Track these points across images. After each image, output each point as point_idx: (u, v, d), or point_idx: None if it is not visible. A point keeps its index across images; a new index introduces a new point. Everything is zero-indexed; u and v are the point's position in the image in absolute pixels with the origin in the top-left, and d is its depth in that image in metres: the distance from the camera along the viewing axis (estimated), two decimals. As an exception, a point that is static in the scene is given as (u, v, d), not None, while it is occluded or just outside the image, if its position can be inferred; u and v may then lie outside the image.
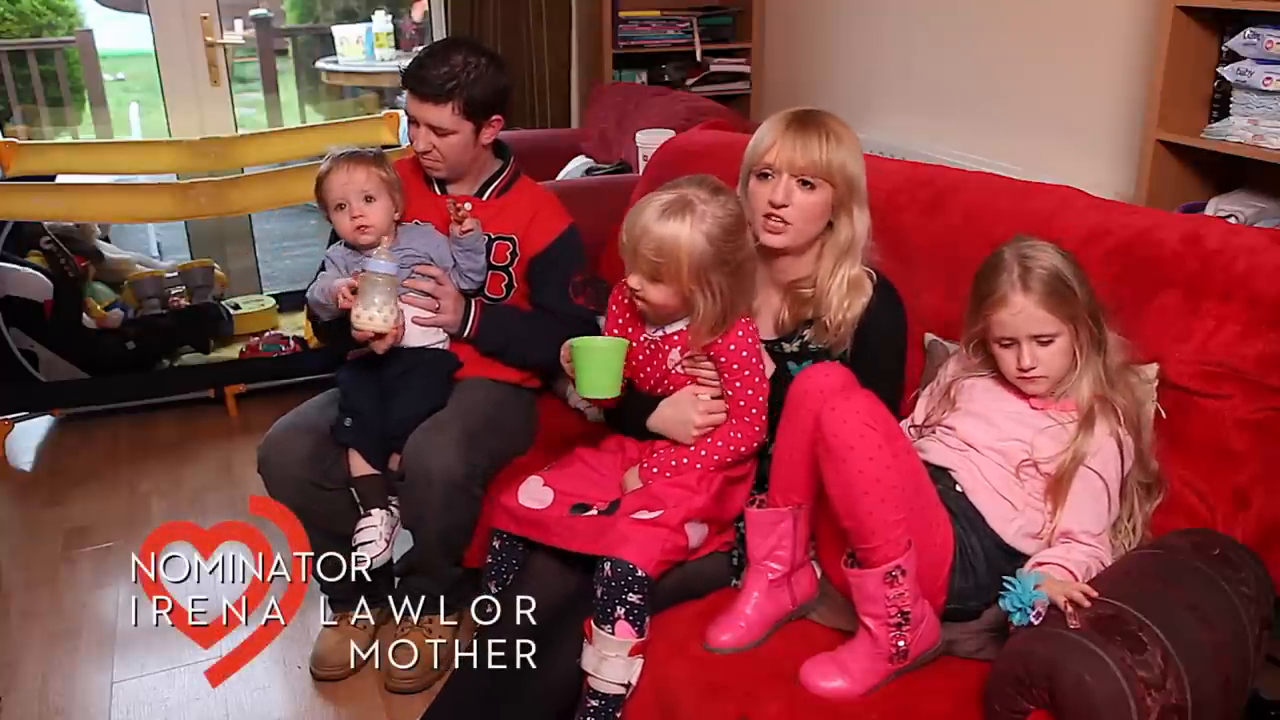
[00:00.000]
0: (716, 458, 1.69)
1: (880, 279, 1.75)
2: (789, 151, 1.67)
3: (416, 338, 2.03)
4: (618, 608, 1.56)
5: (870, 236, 1.74)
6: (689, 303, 1.65)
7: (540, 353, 2.04)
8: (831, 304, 1.70)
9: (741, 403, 1.69)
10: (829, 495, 1.46)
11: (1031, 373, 1.54)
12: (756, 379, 1.68)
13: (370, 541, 1.94)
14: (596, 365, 1.71)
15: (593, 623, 1.58)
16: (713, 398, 1.72)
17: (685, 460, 1.69)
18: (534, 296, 2.13)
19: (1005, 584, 1.37)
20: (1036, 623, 1.31)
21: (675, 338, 1.73)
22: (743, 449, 1.69)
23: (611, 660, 1.56)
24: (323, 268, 2.11)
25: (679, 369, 1.74)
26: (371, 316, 1.89)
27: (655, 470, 1.71)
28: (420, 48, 2.11)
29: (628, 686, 1.57)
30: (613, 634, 1.56)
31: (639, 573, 1.56)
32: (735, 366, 1.68)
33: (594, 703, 1.58)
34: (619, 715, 1.58)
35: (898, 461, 1.42)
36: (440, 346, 2.07)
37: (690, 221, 1.61)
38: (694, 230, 1.61)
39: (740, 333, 1.68)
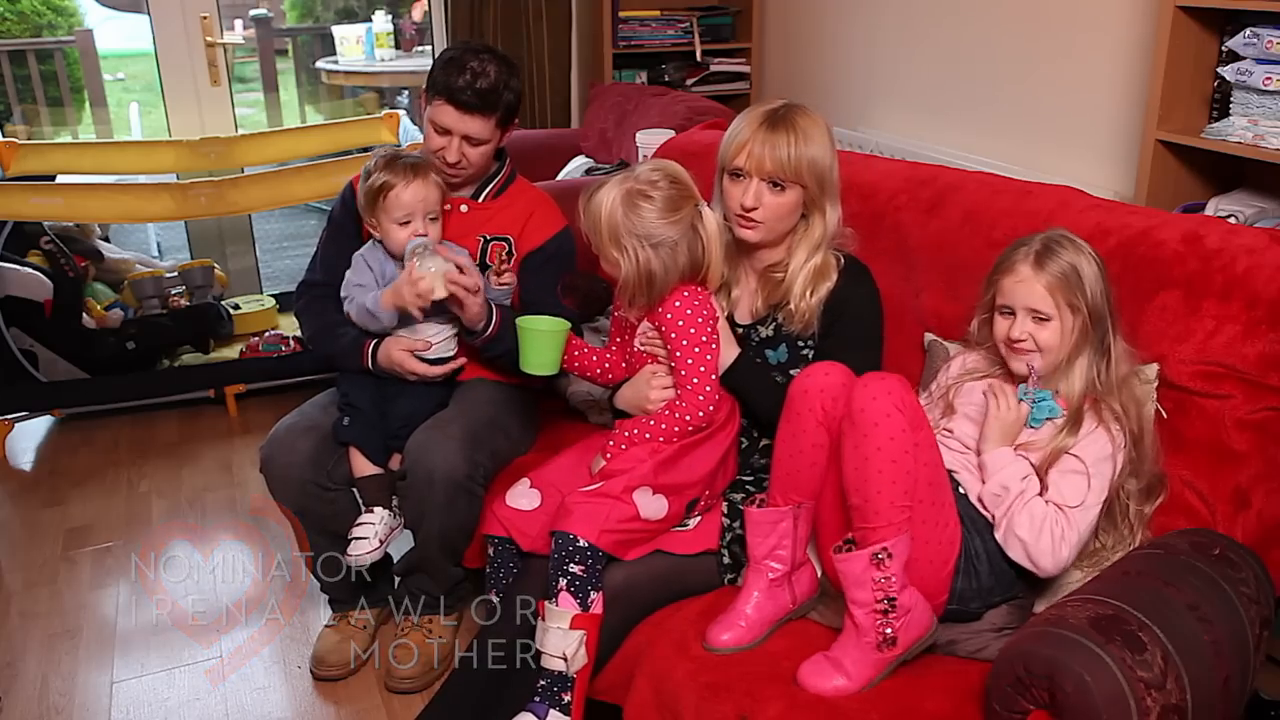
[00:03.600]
0: (665, 426, 1.72)
1: (849, 259, 1.79)
2: (758, 155, 1.70)
3: (436, 350, 2.02)
4: (561, 579, 1.58)
5: (841, 224, 1.78)
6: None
7: None
8: (796, 290, 1.75)
9: (682, 372, 1.72)
10: (843, 470, 1.47)
11: (1019, 345, 1.56)
12: (695, 348, 1.71)
13: (363, 538, 1.94)
14: (535, 345, 1.79)
15: (545, 600, 1.60)
16: (668, 372, 1.77)
17: (637, 431, 1.73)
18: (523, 294, 2.12)
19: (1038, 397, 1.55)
20: (1043, 405, 1.54)
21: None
22: (688, 418, 1.71)
23: (553, 631, 1.58)
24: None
25: (638, 346, 1.79)
26: (439, 273, 1.86)
27: (612, 444, 1.75)
28: (439, 52, 2.05)
29: (566, 661, 1.58)
30: (555, 605, 1.58)
31: (580, 542, 1.59)
32: (673, 335, 1.72)
33: (543, 682, 1.60)
34: (568, 699, 1.59)
35: (917, 451, 1.43)
36: (449, 355, 2.05)
37: (615, 192, 1.68)
38: (614, 199, 1.67)
39: (678, 302, 1.72)
